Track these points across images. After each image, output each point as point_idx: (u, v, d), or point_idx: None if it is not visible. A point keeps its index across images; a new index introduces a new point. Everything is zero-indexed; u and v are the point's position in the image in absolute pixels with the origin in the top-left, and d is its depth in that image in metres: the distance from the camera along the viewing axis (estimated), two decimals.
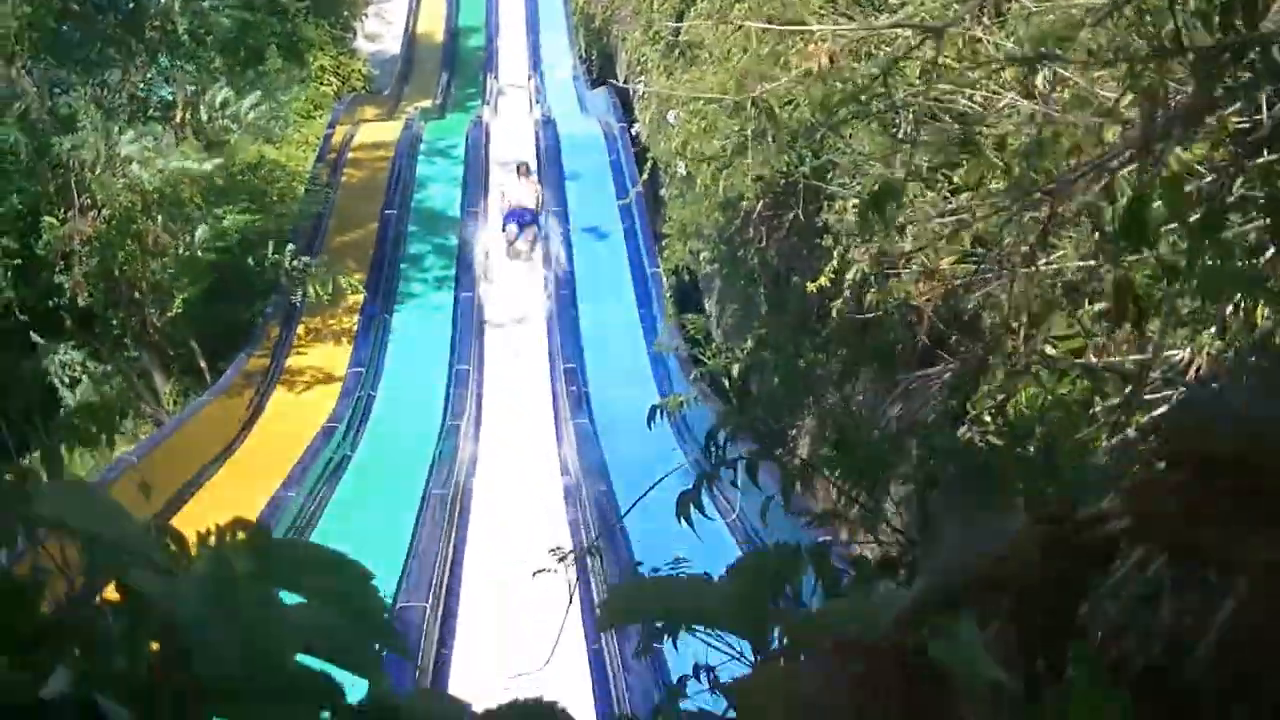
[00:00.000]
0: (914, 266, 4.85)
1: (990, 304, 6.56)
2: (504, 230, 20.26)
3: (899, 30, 5.33)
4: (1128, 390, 3.99)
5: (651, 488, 4.85)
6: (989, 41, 5.84)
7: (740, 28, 10.47)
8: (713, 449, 3.66)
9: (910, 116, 5.52)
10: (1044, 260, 4.48)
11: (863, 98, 5.70)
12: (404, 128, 23.89)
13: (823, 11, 9.62)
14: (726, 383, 12.20)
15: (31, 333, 16.56)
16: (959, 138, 3.99)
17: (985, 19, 5.38)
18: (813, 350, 10.78)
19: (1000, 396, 6.26)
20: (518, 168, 20.96)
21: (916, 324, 5.59)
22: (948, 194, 4.66)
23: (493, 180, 21.95)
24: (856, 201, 8.25)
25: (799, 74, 5.97)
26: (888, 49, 5.97)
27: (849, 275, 4.13)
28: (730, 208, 13.11)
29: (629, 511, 5.12)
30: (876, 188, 3.30)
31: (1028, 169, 3.92)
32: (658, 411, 4.60)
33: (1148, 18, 3.35)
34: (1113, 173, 3.00)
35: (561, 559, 5.47)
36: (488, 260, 20.00)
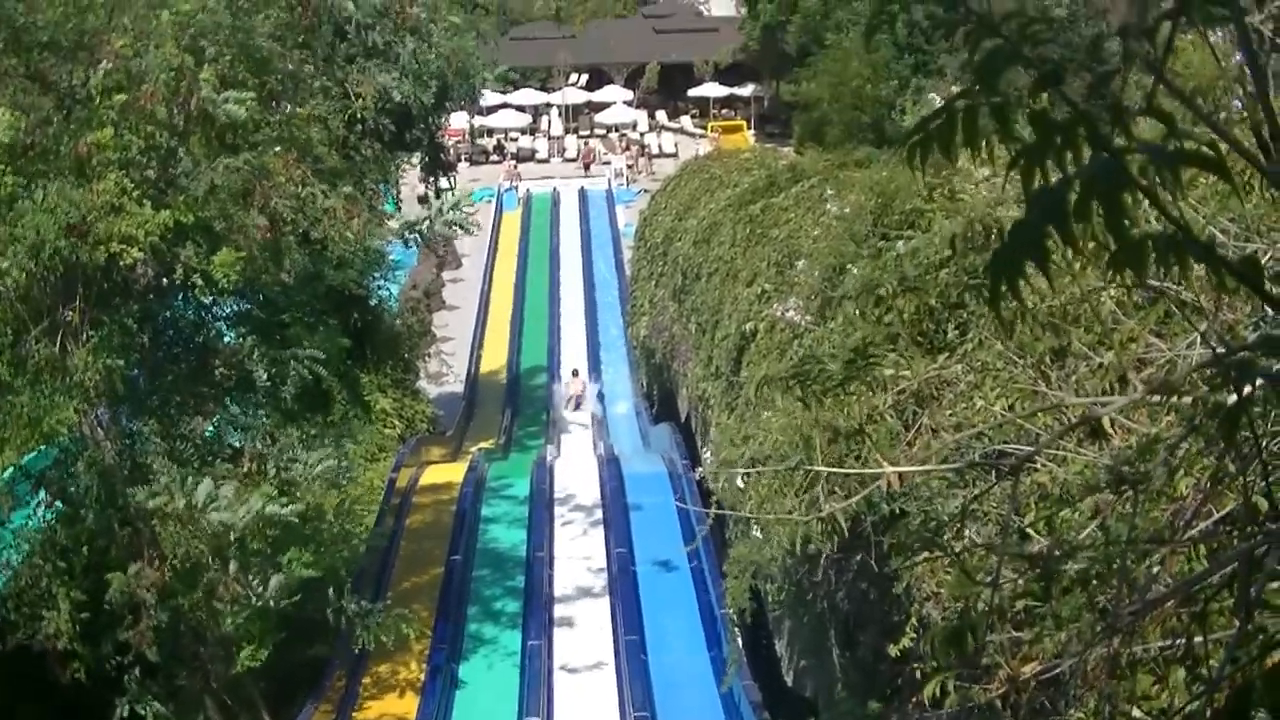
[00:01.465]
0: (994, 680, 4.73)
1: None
2: (565, 405, 31.63)
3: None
4: None
5: None
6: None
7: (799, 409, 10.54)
8: None
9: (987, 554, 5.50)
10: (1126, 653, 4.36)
11: (936, 535, 5.75)
12: (468, 469, 24.10)
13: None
14: None
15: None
16: (1039, 572, 3.90)
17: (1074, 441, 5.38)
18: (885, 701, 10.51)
19: None
20: (572, 372, 32.69)
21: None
22: (1018, 624, 4.58)
23: (561, 379, 33.21)
24: (931, 565, 8.13)
25: (869, 490, 5.94)
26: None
27: (926, 690, 4.00)
28: (800, 548, 12.96)
29: None
30: (952, 628, 3.19)
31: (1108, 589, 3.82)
32: None
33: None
34: (1205, 601, 2.89)
35: None
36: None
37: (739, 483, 12.79)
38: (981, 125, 1.98)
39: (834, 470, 7.81)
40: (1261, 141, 1.89)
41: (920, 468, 4.22)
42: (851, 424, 9.35)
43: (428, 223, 18.39)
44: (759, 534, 13.06)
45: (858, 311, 11.10)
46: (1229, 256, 2.07)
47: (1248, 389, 2.23)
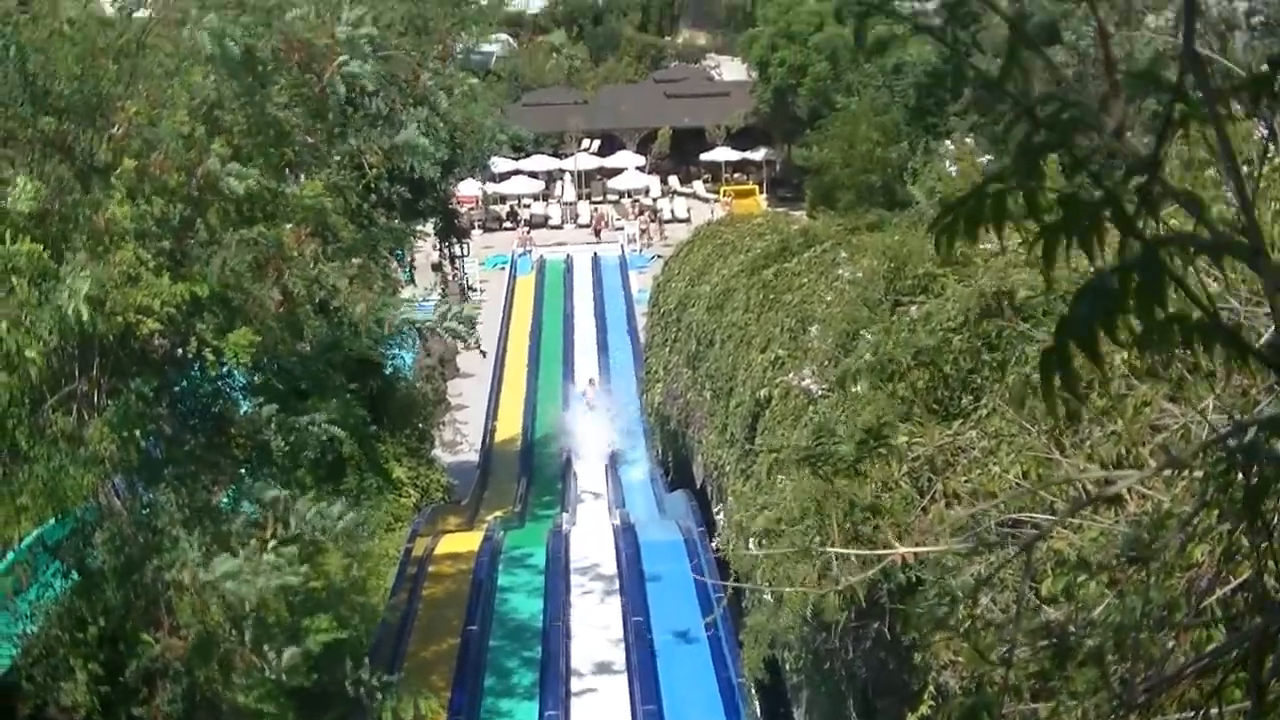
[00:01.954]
0: None
1: None
2: (583, 403, 36.12)
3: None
4: None
5: None
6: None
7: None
8: None
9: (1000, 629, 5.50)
10: None
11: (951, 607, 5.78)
12: (484, 538, 24.05)
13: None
14: None
15: None
16: (1053, 648, 3.90)
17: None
18: None
19: None
20: (589, 381, 37.77)
21: None
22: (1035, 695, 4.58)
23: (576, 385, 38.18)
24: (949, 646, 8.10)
25: (884, 564, 5.96)
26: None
27: None
28: (814, 618, 12.91)
29: None
30: (967, 707, 3.19)
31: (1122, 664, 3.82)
32: None
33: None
34: (1224, 675, 2.88)
35: None
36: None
37: (753, 548, 12.78)
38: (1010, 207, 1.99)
39: (848, 552, 7.80)
40: (1251, 242, 1.92)
41: (934, 549, 4.23)
42: (866, 498, 9.36)
43: (428, 324, 18.39)
44: (769, 598, 13.04)
45: (871, 388, 11.11)
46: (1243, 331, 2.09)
47: (1257, 472, 2.24)
